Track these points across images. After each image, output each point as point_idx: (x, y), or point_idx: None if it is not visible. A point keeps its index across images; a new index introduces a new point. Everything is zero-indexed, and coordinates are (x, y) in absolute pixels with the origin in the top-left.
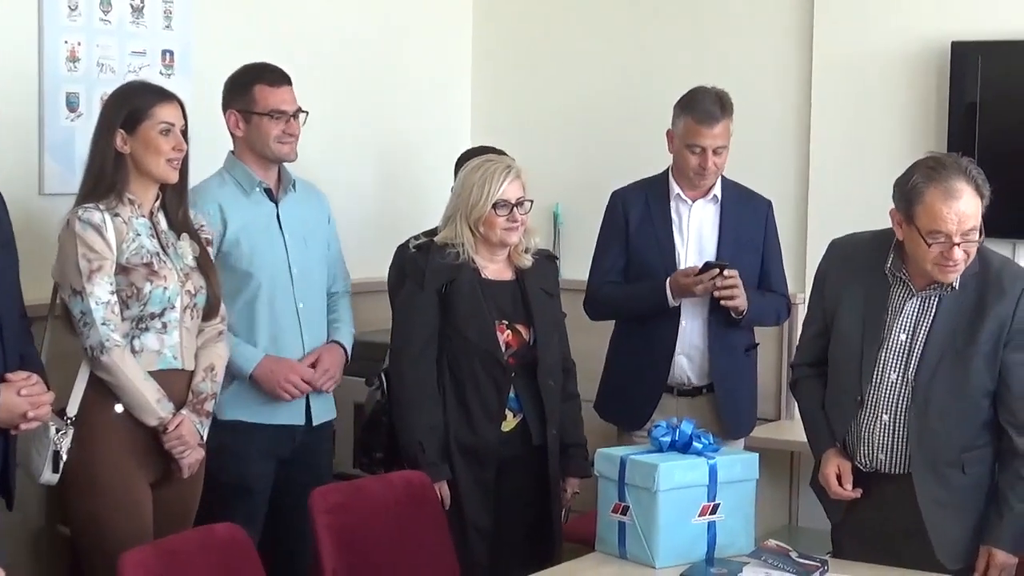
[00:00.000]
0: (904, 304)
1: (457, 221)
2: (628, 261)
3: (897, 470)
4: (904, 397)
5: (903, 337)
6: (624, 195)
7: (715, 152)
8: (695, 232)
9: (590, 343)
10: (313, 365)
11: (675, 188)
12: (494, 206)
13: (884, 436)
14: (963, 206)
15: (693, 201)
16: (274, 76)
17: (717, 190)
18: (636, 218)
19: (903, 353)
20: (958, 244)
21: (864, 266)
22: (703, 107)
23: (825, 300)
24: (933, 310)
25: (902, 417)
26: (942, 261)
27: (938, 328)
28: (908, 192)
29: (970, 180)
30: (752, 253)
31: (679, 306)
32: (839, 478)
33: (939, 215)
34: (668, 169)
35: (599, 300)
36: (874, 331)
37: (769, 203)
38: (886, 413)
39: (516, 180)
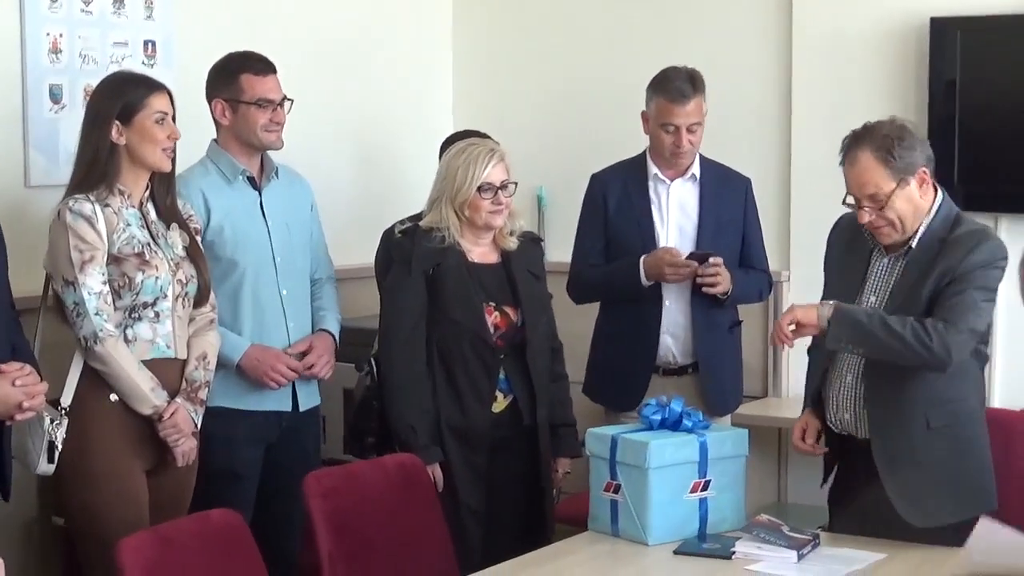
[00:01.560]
0: (876, 266)
1: (442, 205)
2: (609, 243)
3: (863, 433)
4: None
5: (873, 299)
6: (602, 178)
7: (689, 130)
8: (675, 212)
9: (576, 325)
10: (305, 353)
11: (653, 168)
12: (479, 189)
13: (847, 396)
14: (857, 173)
15: (671, 181)
16: (261, 65)
17: (695, 169)
18: (615, 200)
19: None
20: (864, 208)
21: (855, 235)
22: (674, 86)
23: (825, 270)
24: (899, 271)
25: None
26: (862, 221)
27: (898, 287)
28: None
29: (876, 148)
30: (732, 231)
31: (660, 286)
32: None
33: (846, 179)
34: (646, 150)
35: (580, 283)
36: (850, 294)
37: (748, 180)
38: (850, 373)
39: (500, 163)
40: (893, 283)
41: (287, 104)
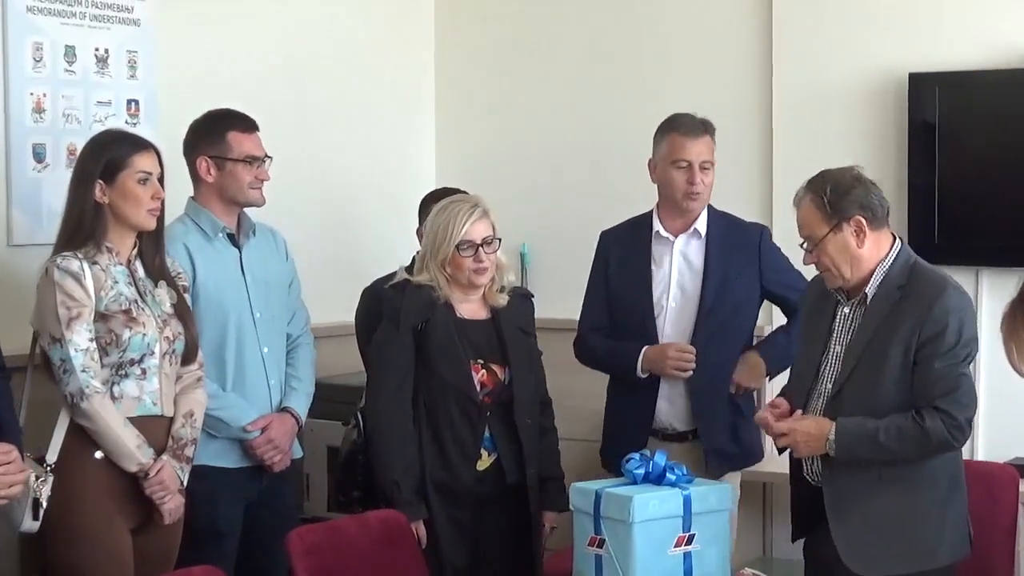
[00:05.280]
0: (839, 315)
1: (429, 263)
2: (610, 302)
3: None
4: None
5: (838, 348)
6: (608, 236)
7: (702, 168)
8: (677, 271)
9: (571, 381)
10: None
11: (656, 226)
12: (457, 247)
13: None
14: (799, 216)
15: (675, 238)
16: (245, 123)
17: (701, 224)
18: (616, 258)
19: (837, 364)
20: (803, 246)
21: (827, 288)
22: (687, 121)
23: (800, 323)
24: (859, 319)
25: None
26: (804, 262)
27: (857, 337)
28: None
29: (815, 192)
30: (742, 287)
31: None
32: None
33: None
34: (653, 208)
35: (585, 349)
36: (816, 345)
37: (762, 228)
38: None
39: (482, 219)
40: (853, 332)
41: (267, 161)
